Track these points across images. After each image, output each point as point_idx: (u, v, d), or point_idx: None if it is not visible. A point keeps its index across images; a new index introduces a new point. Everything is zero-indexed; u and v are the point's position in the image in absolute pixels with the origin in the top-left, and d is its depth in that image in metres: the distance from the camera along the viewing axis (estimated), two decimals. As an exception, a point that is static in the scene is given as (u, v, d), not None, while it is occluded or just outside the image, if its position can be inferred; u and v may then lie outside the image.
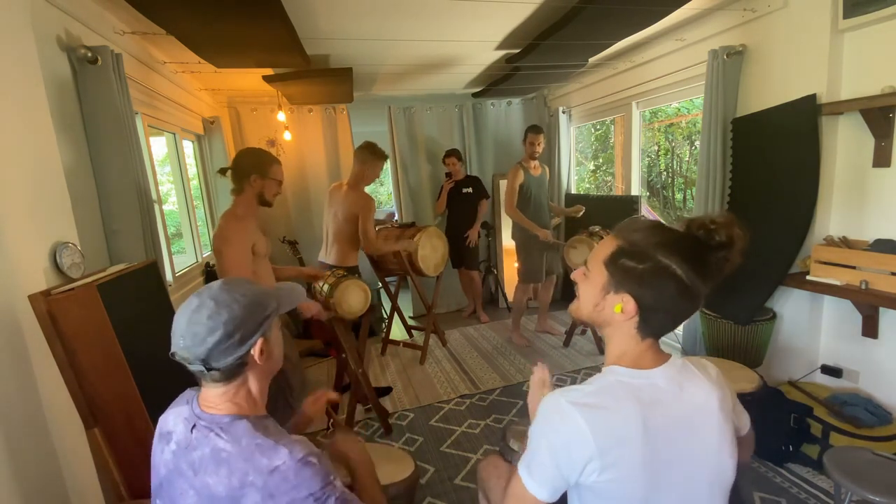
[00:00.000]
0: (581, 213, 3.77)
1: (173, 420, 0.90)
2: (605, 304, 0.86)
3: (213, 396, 0.88)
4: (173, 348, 0.85)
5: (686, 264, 0.79)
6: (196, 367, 0.84)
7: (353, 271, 3.07)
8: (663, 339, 0.91)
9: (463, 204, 4.40)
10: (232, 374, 0.86)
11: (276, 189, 2.11)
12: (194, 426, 0.86)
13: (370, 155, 3.01)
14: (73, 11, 1.94)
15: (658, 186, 5.98)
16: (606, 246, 0.86)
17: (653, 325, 0.85)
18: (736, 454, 0.88)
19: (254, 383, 0.91)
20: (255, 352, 0.87)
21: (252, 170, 2.02)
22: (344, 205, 2.98)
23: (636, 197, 3.82)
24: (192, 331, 0.82)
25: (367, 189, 3.11)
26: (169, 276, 2.69)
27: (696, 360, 0.94)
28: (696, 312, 0.84)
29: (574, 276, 0.94)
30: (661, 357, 0.88)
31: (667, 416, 0.82)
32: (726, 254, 0.81)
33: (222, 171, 2.09)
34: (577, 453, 0.78)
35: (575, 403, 0.80)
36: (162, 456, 0.89)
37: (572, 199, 4.67)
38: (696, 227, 0.82)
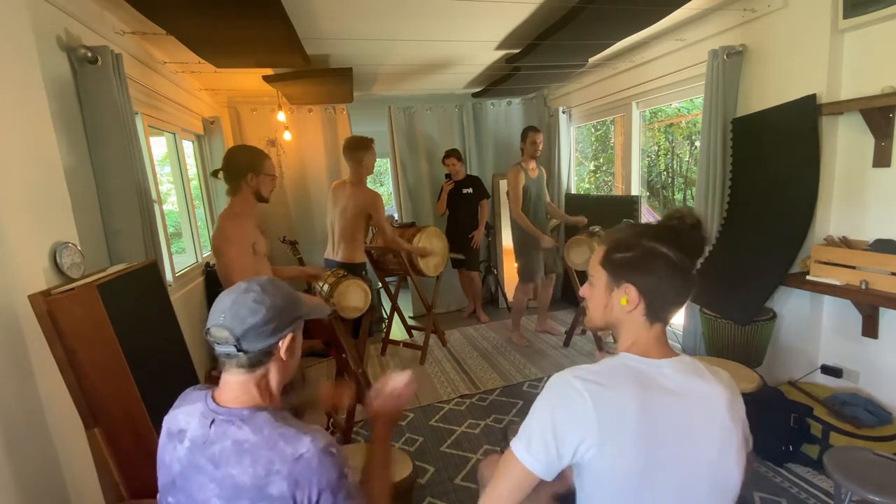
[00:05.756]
0: (584, 224, 3.69)
1: (184, 418, 0.91)
2: (611, 301, 0.93)
3: (234, 387, 0.90)
4: (210, 324, 0.88)
5: (668, 244, 0.88)
6: (226, 348, 0.87)
7: (361, 268, 3.07)
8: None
9: (464, 204, 4.39)
10: (257, 361, 0.90)
11: (272, 185, 2.10)
12: (213, 421, 0.87)
13: (360, 150, 2.98)
14: (73, 11, 1.94)
15: (658, 186, 5.98)
16: (598, 251, 0.97)
17: (657, 307, 0.90)
18: (743, 464, 0.88)
19: (274, 376, 0.93)
20: (283, 345, 0.92)
21: (247, 168, 2.00)
22: (352, 201, 2.96)
23: (636, 197, 3.82)
24: (235, 309, 0.87)
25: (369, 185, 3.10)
26: (169, 276, 2.69)
27: (709, 363, 0.95)
28: (692, 291, 0.91)
29: (581, 292, 1.01)
30: (671, 353, 0.91)
31: (668, 403, 0.84)
32: (700, 231, 0.91)
33: (215, 174, 2.09)
34: (577, 424, 0.82)
35: (580, 378, 0.85)
36: (175, 453, 0.89)
37: (572, 200, 4.67)
38: (669, 219, 0.93)
